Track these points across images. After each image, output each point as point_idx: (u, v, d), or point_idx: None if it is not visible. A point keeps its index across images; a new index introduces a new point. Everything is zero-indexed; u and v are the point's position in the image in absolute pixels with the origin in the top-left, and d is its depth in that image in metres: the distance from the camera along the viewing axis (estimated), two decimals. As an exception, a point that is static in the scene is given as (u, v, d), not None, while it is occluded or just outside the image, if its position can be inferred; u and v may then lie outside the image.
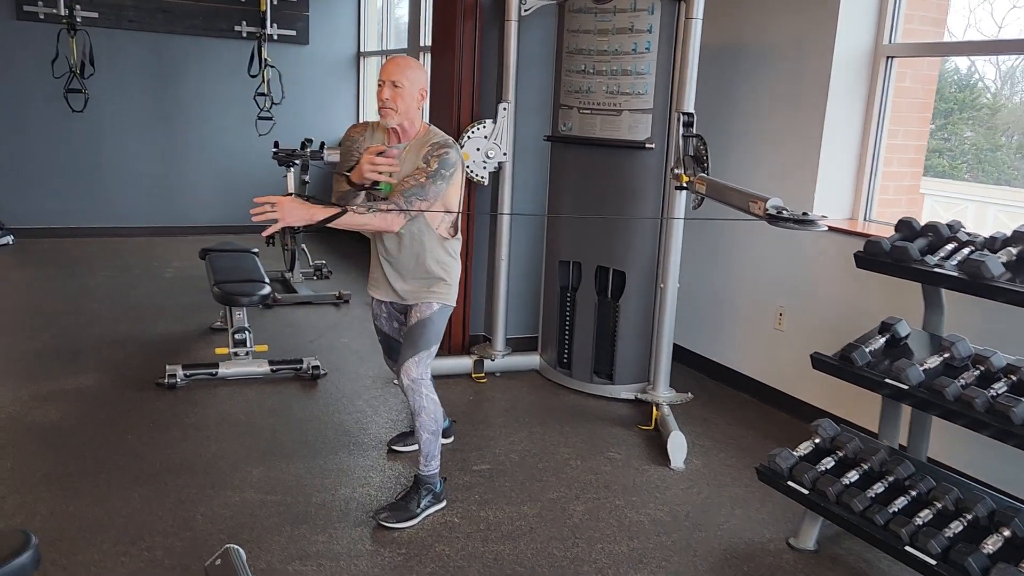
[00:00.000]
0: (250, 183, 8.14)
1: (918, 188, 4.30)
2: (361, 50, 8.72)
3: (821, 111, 4.00)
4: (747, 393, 4.49)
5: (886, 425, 3.05)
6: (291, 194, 2.77)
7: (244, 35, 7.90)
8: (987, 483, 3.02)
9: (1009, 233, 2.76)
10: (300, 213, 2.72)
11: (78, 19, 6.86)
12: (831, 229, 3.83)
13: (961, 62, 4.41)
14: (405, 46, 7.62)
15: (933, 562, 2.40)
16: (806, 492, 2.84)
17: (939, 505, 2.58)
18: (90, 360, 4.56)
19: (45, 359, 4.55)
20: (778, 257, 4.28)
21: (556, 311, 4.53)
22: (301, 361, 4.48)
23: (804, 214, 2.82)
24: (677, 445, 3.65)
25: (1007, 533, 2.39)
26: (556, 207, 4.49)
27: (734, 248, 4.55)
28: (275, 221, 2.71)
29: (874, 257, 2.96)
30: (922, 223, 3.01)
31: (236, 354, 4.43)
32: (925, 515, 2.57)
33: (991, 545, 2.37)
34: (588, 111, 4.16)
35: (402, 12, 8.15)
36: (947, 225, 2.93)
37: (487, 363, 4.62)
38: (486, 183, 4.49)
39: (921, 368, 2.72)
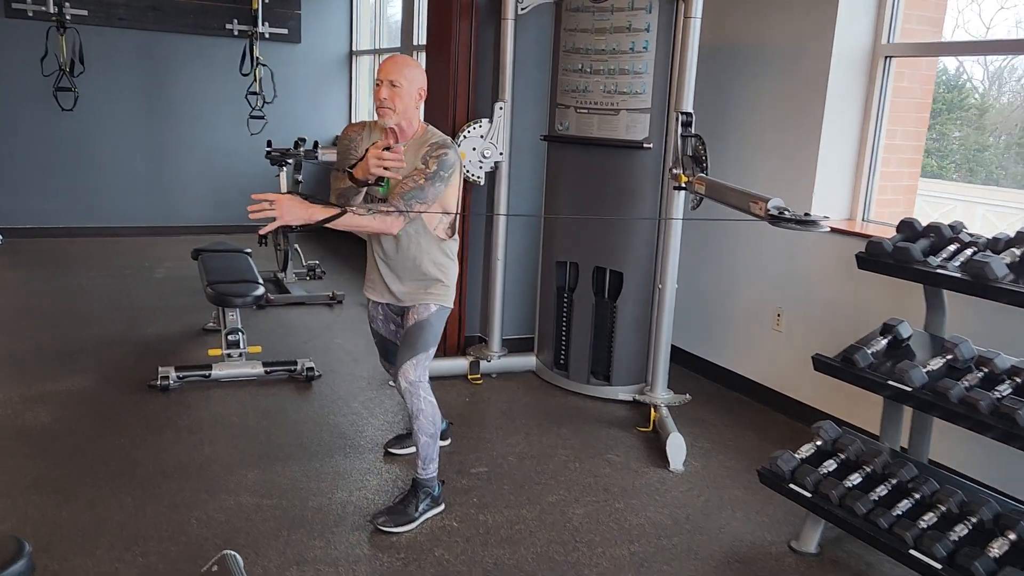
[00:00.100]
0: (242, 182, 8.08)
1: (916, 188, 4.29)
2: (353, 49, 8.67)
3: (819, 111, 3.98)
4: (745, 394, 4.47)
5: (888, 427, 3.04)
6: (289, 192, 2.72)
7: (235, 33, 7.84)
8: (988, 485, 3.01)
9: (1012, 234, 2.75)
10: (299, 212, 2.68)
11: (67, 16, 6.80)
12: (830, 229, 3.81)
13: (949, 62, 4.42)
14: (398, 45, 7.58)
15: (939, 566, 2.38)
16: (808, 495, 2.82)
17: (943, 508, 2.56)
18: (82, 361, 4.51)
19: (36, 360, 4.49)
20: (776, 258, 4.26)
21: (553, 312, 4.50)
22: (295, 363, 4.43)
23: (806, 215, 2.80)
24: (676, 447, 3.62)
25: (1013, 537, 2.37)
26: (553, 207, 4.46)
27: (732, 249, 4.53)
28: (273, 219, 2.67)
29: (876, 258, 2.95)
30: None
31: (229, 355, 4.38)
32: (929, 518, 2.55)
33: (997, 549, 2.35)
34: (585, 110, 4.13)
35: (395, 11, 8.11)
36: (949, 226, 2.91)
37: (483, 364, 4.58)
38: (482, 183, 4.46)
39: (924, 370, 2.70)
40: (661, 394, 4.10)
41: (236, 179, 8.16)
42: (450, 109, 4.51)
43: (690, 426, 3.99)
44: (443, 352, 4.60)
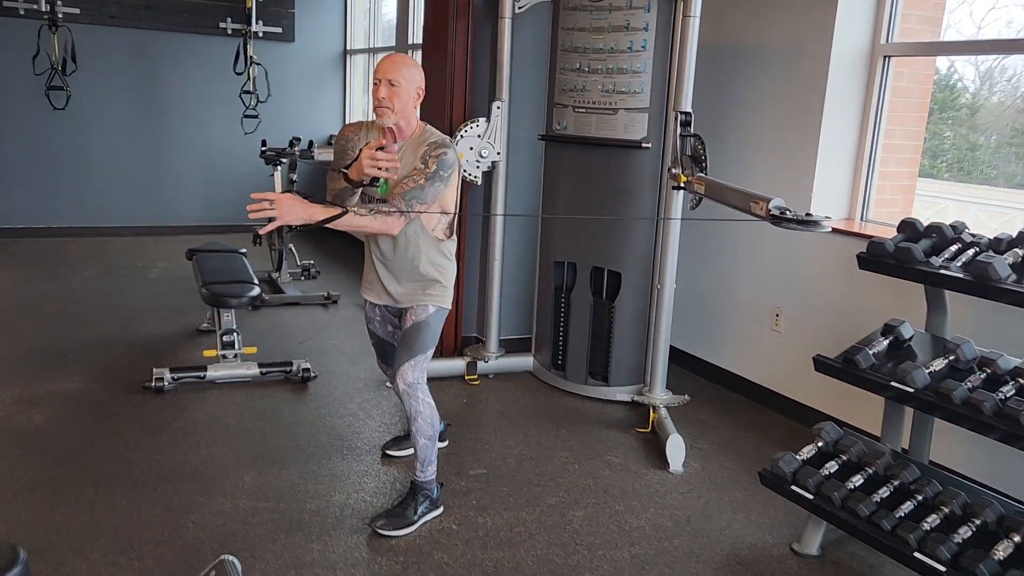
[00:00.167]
0: (235, 182, 8.05)
1: (914, 188, 4.28)
2: (348, 48, 8.63)
3: (818, 110, 3.97)
4: (743, 395, 4.46)
5: (889, 428, 3.02)
6: (289, 190, 2.69)
7: (229, 32, 7.79)
8: (988, 485, 3.00)
9: (1014, 234, 2.74)
10: (299, 212, 2.65)
11: (59, 15, 6.73)
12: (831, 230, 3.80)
13: (941, 62, 4.43)
14: (393, 44, 7.54)
15: (943, 568, 2.37)
16: (810, 497, 2.80)
17: (946, 510, 2.54)
18: (75, 363, 4.47)
19: (29, 362, 4.45)
20: (775, 258, 4.25)
21: (550, 312, 4.47)
22: (291, 363, 4.40)
23: (808, 215, 2.79)
24: (675, 448, 3.60)
25: (1017, 539, 2.36)
26: (551, 207, 4.44)
27: (730, 249, 4.51)
28: (272, 219, 2.63)
29: (878, 258, 2.93)
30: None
31: (224, 356, 4.34)
32: (932, 520, 2.53)
33: (1001, 551, 2.34)
34: (583, 110, 4.11)
35: (389, 10, 8.07)
36: (951, 226, 2.90)
37: (480, 365, 4.56)
38: (479, 183, 4.43)
39: (927, 371, 2.68)
40: (660, 395, 4.08)
41: (229, 179, 8.12)
42: (447, 108, 4.48)
43: (689, 427, 3.97)
44: (440, 353, 4.57)
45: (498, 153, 4.38)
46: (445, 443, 3.66)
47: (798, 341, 4.12)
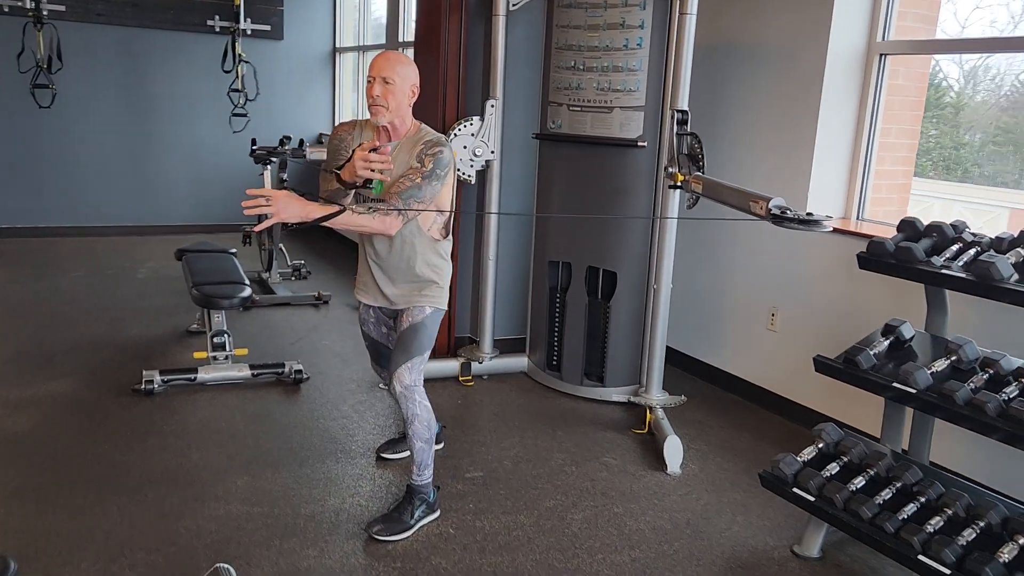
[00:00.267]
0: (224, 181, 7.99)
1: (909, 187, 4.27)
2: (337, 46, 8.56)
3: (815, 109, 3.94)
4: (739, 395, 4.44)
5: (889, 429, 3.00)
6: (287, 187, 2.64)
7: (217, 30, 7.70)
8: (987, 486, 2.99)
9: (1016, 234, 2.72)
10: (295, 209, 2.60)
11: (44, 12, 6.66)
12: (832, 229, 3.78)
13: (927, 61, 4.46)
14: (383, 42, 7.49)
15: (948, 571, 2.34)
16: (812, 499, 2.78)
17: (949, 512, 2.52)
18: (63, 365, 4.39)
19: (15, 364, 4.37)
20: (770, 257, 4.22)
21: (545, 312, 4.44)
22: (283, 365, 4.35)
23: (809, 214, 2.75)
24: (673, 450, 3.57)
25: (1022, 541, 2.34)
26: (545, 206, 4.40)
27: (725, 248, 4.49)
28: (268, 216, 2.58)
29: (878, 258, 2.91)
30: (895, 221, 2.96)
31: (215, 358, 4.28)
32: (936, 522, 2.51)
33: (1007, 554, 2.32)
34: (578, 108, 4.08)
35: (379, 7, 8.01)
36: (951, 225, 2.88)
37: (474, 366, 4.52)
38: (473, 181, 4.39)
39: (928, 372, 2.66)
40: (657, 396, 4.05)
41: (218, 178, 8.04)
42: (440, 107, 4.43)
43: (685, 428, 3.94)
44: (433, 353, 4.44)
45: (492, 152, 4.34)
46: (441, 445, 3.62)
47: (794, 341, 4.10)
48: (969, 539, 2.42)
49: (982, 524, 2.44)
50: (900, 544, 2.50)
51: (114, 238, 7.72)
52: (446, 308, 3.10)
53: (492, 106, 4.29)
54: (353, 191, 2.89)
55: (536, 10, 4.39)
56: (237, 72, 7.22)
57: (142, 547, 2.77)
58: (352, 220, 2.70)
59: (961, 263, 2.70)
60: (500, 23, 4.21)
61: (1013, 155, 4.29)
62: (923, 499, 2.60)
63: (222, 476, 3.29)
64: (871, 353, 2.85)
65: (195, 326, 5.08)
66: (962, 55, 4.20)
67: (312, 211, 2.63)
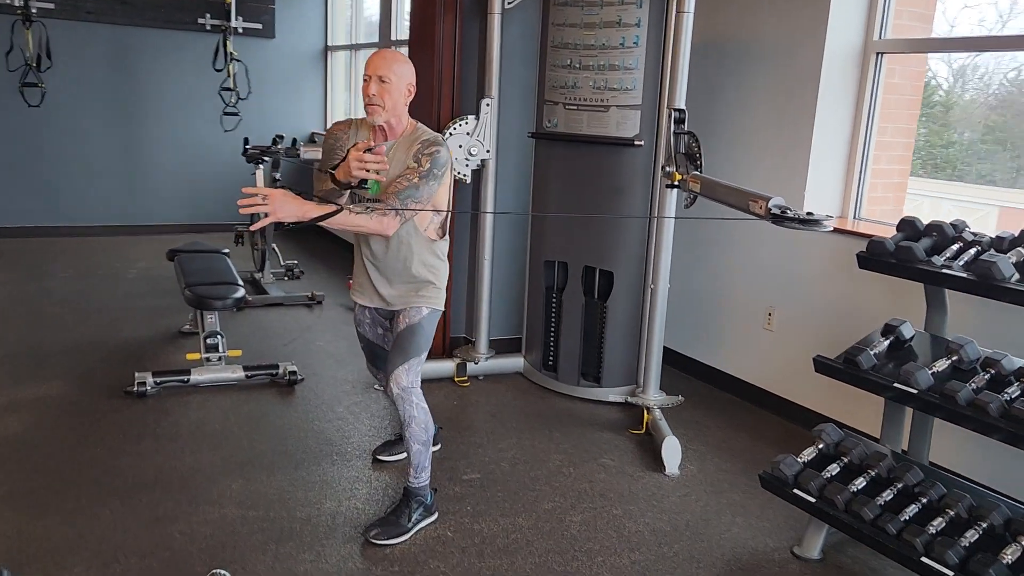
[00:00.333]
0: (215, 180, 7.94)
1: (906, 186, 4.26)
2: (329, 44, 8.51)
3: (812, 108, 3.93)
4: (736, 395, 4.42)
5: (889, 429, 2.99)
6: (283, 186, 2.60)
7: (208, 28, 7.63)
8: (986, 486, 2.97)
9: (1016, 233, 2.71)
10: (292, 208, 2.56)
11: (33, 9, 6.58)
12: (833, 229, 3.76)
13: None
14: (376, 40, 7.45)
15: (951, 573, 2.33)
16: (813, 501, 2.76)
17: (951, 513, 2.51)
18: (54, 367, 4.34)
19: (5, 367, 4.32)
20: (767, 256, 4.21)
21: (541, 312, 4.41)
22: (277, 366, 4.31)
23: (809, 213, 2.73)
24: (672, 451, 3.55)
25: (1026, 542, 2.33)
26: (541, 205, 4.37)
27: (721, 247, 4.47)
28: (265, 215, 2.54)
29: (878, 257, 2.89)
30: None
31: (208, 359, 4.24)
32: (938, 523, 2.49)
33: (1010, 555, 2.30)
34: (574, 107, 4.05)
35: (371, 5, 7.96)
36: (951, 224, 2.87)
37: (470, 366, 4.49)
38: (468, 181, 4.36)
39: (930, 372, 2.65)
40: (654, 396, 4.03)
41: (209, 177, 7.99)
42: (434, 106, 4.40)
43: (683, 428, 3.92)
44: (429, 354, 4.46)
45: (487, 151, 4.31)
46: (438, 447, 3.59)
47: (791, 341, 4.09)
48: (972, 540, 2.41)
49: (984, 525, 2.43)
50: (903, 546, 2.48)
51: (103, 238, 7.65)
52: (443, 309, 3.07)
53: (487, 105, 4.26)
54: (348, 191, 2.85)
55: (532, 8, 4.36)
56: (228, 71, 7.17)
57: (136, 552, 2.73)
58: (349, 220, 2.66)
59: (962, 263, 2.69)
60: (495, 21, 4.18)
61: (1002, 153, 4.31)
62: (925, 500, 2.59)
63: (216, 479, 3.25)
64: (871, 353, 2.83)
65: (187, 327, 5.04)
66: (950, 54, 4.20)
67: (309, 210, 2.60)
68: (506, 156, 4.50)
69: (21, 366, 4.34)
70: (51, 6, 6.88)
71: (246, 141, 5.97)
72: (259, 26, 7.94)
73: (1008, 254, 2.61)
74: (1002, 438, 2.44)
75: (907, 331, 2.93)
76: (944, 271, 2.69)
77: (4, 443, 3.46)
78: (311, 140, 8.12)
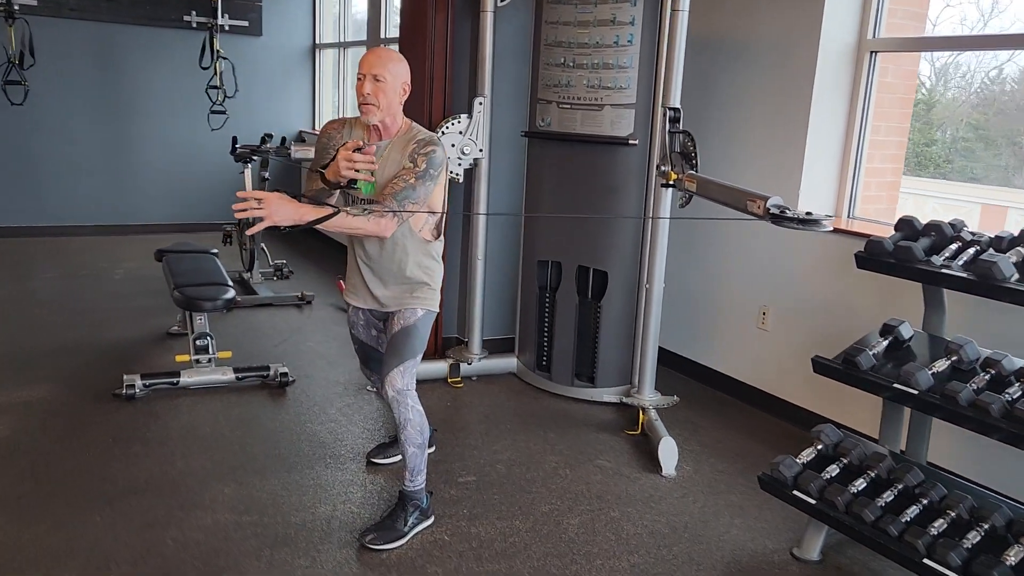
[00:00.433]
0: (202, 180, 7.87)
1: (899, 185, 4.26)
2: (317, 42, 8.45)
3: (806, 106, 3.92)
4: (731, 395, 4.41)
5: (887, 429, 2.98)
6: (278, 190, 2.55)
7: (194, 25, 7.54)
8: (986, 486, 2.97)
9: (1016, 232, 2.70)
10: (289, 212, 2.51)
11: (15, 6, 6.50)
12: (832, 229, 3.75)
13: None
14: (364, 38, 7.39)
15: (953, 575, 2.32)
16: (813, 502, 2.74)
17: (953, 514, 2.50)
18: (40, 370, 4.27)
19: (-10, 370, 4.26)
20: (761, 256, 4.20)
21: (535, 312, 4.38)
22: (268, 368, 4.26)
23: (808, 213, 2.72)
24: (668, 451, 3.53)
25: (1028, 544, 2.32)
26: (534, 205, 4.34)
27: (716, 247, 4.46)
28: (261, 220, 2.49)
29: (876, 257, 2.88)
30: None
31: (198, 361, 4.19)
32: (939, 525, 2.48)
33: (1013, 557, 2.29)
34: (568, 106, 4.02)
35: (360, 1, 7.90)
36: (950, 224, 2.86)
37: (463, 367, 4.45)
38: (461, 180, 4.32)
39: (929, 372, 2.64)
40: (649, 396, 4.01)
41: (196, 176, 7.91)
42: (426, 104, 4.36)
43: (678, 428, 3.90)
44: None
45: (480, 150, 4.28)
46: (432, 449, 3.56)
47: (785, 340, 4.08)
48: (974, 542, 2.39)
49: (986, 527, 2.42)
50: (904, 547, 2.47)
51: (88, 238, 7.55)
52: (438, 310, 3.04)
53: (480, 104, 4.23)
54: (338, 191, 2.82)
55: (525, 6, 4.33)
56: (215, 69, 7.10)
57: (127, 559, 2.68)
58: (346, 222, 2.62)
59: (961, 262, 2.68)
60: (488, 19, 4.15)
61: (984, 151, 4.33)
62: (925, 501, 2.58)
63: (208, 483, 3.20)
64: (870, 353, 2.82)
65: (176, 328, 4.98)
66: (933, 53, 4.22)
67: (305, 213, 2.55)
68: (499, 155, 4.47)
69: (6, 369, 4.26)
70: (34, 3, 6.79)
71: (234, 140, 5.91)
72: (246, 24, 7.86)
73: (1007, 254, 2.60)
74: (1003, 438, 2.43)
75: (906, 331, 2.92)
76: (944, 271, 2.67)
77: (-10, 448, 3.40)
78: (299, 139, 8.05)
